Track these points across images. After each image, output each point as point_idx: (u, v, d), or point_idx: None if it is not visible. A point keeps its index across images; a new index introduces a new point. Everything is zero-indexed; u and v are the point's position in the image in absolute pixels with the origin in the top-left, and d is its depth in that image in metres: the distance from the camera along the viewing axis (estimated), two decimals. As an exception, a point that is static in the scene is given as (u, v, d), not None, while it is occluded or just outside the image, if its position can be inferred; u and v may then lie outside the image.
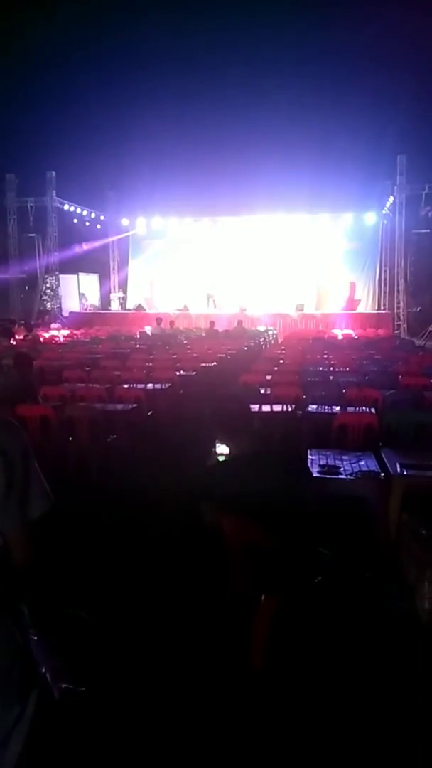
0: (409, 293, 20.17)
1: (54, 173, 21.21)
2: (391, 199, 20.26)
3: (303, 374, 7.57)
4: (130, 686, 2.58)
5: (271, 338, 15.93)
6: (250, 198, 20.88)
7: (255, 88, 22.39)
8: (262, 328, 16.83)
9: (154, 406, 6.78)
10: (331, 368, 8.47)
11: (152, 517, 4.30)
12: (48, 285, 21.59)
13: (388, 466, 3.81)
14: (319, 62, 22.84)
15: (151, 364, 8.89)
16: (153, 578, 3.47)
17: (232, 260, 22.55)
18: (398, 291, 20.16)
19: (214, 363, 9.39)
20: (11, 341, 12.80)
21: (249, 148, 21.71)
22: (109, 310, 23.31)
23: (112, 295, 24.12)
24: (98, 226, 23.64)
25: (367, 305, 21.69)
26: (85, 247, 22.93)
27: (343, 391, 6.03)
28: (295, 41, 22.52)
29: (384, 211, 21.43)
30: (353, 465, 3.99)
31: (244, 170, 20.51)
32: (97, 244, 23.57)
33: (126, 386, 6.93)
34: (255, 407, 5.25)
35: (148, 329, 16.23)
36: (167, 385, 7.31)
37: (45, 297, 21.52)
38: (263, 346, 13.65)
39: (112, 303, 23.87)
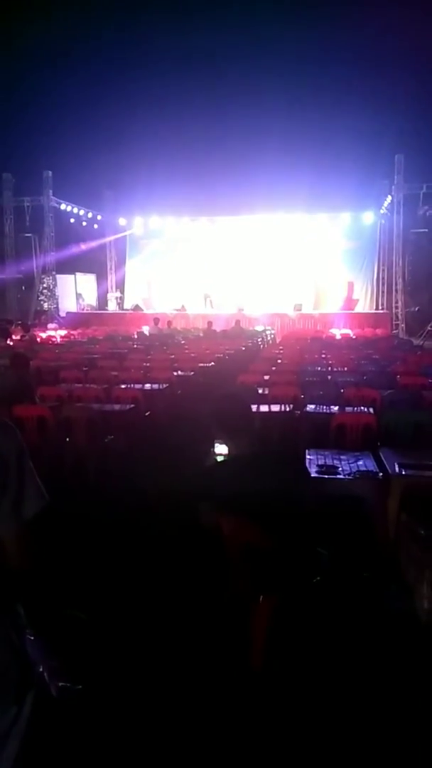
0: (407, 293, 20.19)
1: (51, 173, 21.18)
2: (389, 198, 20.28)
3: (301, 374, 7.56)
4: (128, 687, 2.57)
5: (269, 338, 15.93)
6: (248, 198, 20.90)
7: (253, 88, 22.38)
8: (260, 328, 16.83)
9: (152, 407, 6.77)
10: (330, 368, 8.47)
11: (150, 518, 4.29)
12: (45, 285, 21.54)
13: (387, 466, 3.81)
14: (317, 62, 22.86)
15: (148, 364, 8.88)
16: (151, 578, 3.45)
17: (229, 260, 22.55)
18: (396, 290, 20.18)
19: (212, 363, 9.38)
20: (8, 341, 12.78)
21: (247, 148, 21.74)
22: (107, 310, 23.27)
23: (109, 295, 24.10)
24: (95, 226, 23.61)
25: (365, 305, 21.71)
26: (83, 247, 22.89)
27: (342, 390, 6.03)
28: (294, 41, 22.52)
29: (382, 211, 21.45)
30: (351, 465, 3.99)
31: (242, 170, 20.52)
32: (94, 244, 23.54)
33: (123, 386, 6.92)
34: (253, 407, 5.24)
35: (145, 329, 16.21)
36: (165, 386, 7.30)
37: (42, 297, 21.47)
38: (261, 346, 13.64)
39: (109, 303, 23.84)
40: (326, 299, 21.43)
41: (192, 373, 8.41)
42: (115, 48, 22.55)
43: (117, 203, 23.57)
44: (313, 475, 3.69)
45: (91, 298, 24.31)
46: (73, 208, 22.20)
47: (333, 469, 3.89)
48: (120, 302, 23.69)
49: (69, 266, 22.61)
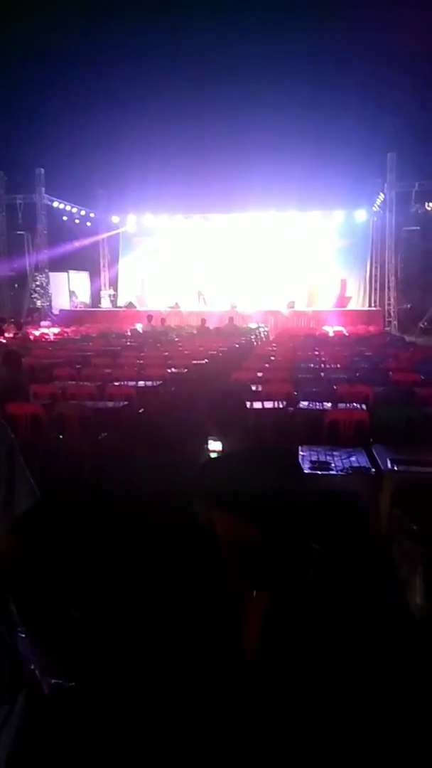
0: (400, 290, 20.27)
1: (43, 170, 21.07)
2: (382, 196, 20.33)
3: (294, 371, 7.57)
4: (122, 683, 2.56)
5: (262, 335, 15.93)
6: (242, 195, 20.89)
7: (246, 86, 22.39)
8: (253, 326, 16.84)
9: (145, 404, 6.76)
10: (323, 365, 8.49)
11: (144, 514, 4.28)
12: (38, 283, 21.46)
13: (379, 462, 3.82)
14: (309, 60, 22.86)
15: (142, 361, 8.86)
16: (145, 575, 3.45)
17: (223, 257, 22.55)
18: (389, 288, 20.25)
19: (206, 360, 9.37)
20: (1, 339, 12.72)
21: (240, 146, 21.74)
22: (100, 307, 23.21)
23: (102, 293, 24.03)
24: (88, 224, 23.53)
25: (358, 302, 21.76)
26: (76, 244, 22.81)
27: (335, 387, 6.04)
28: (286, 39, 22.53)
29: (374, 209, 21.51)
30: (344, 461, 4.00)
31: (236, 168, 20.50)
32: (87, 241, 23.45)
33: (117, 384, 6.90)
34: (247, 404, 5.24)
35: (139, 327, 16.18)
36: (158, 383, 7.29)
37: (35, 295, 21.39)
38: (254, 344, 13.64)
39: (102, 301, 23.77)
40: (319, 296, 21.47)
41: (185, 370, 8.40)
42: (107, 46, 22.42)
43: (110, 201, 23.51)
44: (306, 471, 3.70)
45: (84, 296, 24.23)
46: (65, 205, 22.12)
47: (326, 465, 3.90)
48: (113, 300, 23.64)
49: (62, 264, 22.53)
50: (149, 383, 7.16)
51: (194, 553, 2.90)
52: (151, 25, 21.70)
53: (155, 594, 3.24)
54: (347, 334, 14.81)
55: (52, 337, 14.69)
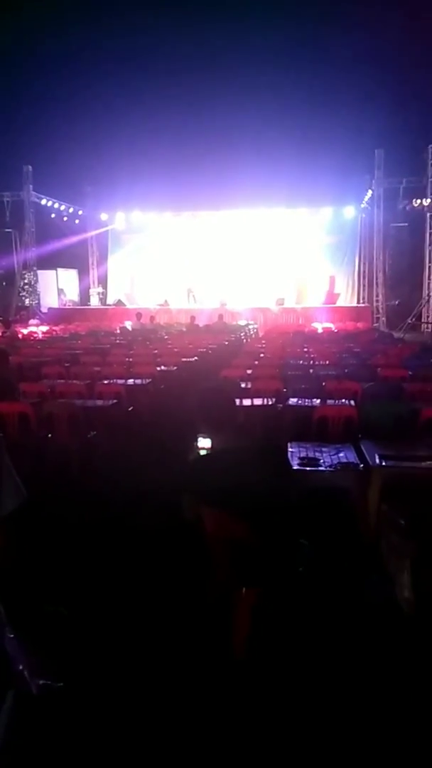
0: (388, 286, 20.37)
1: (30, 167, 20.91)
2: (370, 193, 20.41)
3: (283, 368, 7.58)
4: (111, 682, 2.56)
5: (251, 332, 15.96)
6: (230, 193, 20.88)
7: (234, 84, 22.32)
8: (242, 323, 16.86)
9: (135, 402, 6.74)
10: (312, 361, 8.51)
11: (133, 513, 4.28)
12: (26, 281, 21.31)
13: (367, 458, 3.84)
14: (297, 58, 22.89)
15: (131, 359, 8.83)
16: (134, 572, 3.45)
17: (212, 255, 22.54)
18: (377, 284, 20.35)
19: (195, 358, 9.37)
20: (-11, 338, 12.61)
21: (229, 143, 21.66)
22: (89, 305, 23.10)
23: (91, 291, 23.91)
24: (76, 221, 23.38)
25: (346, 299, 21.85)
26: (65, 242, 22.66)
27: (323, 384, 6.06)
28: (275, 37, 22.51)
29: (362, 205, 21.59)
30: (333, 457, 4.02)
31: (224, 165, 20.46)
32: (75, 239, 23.31)
33: (106, 382, 6.88)
34: (237, 401, 5.25)
35: (128, 324, 16.13)
36: (148, 381, 7.27)
37: (23, 293, 21.24)
38: (244, 341, 13.66)
39: (91, 298, 23.66)
40: (308, 293, 21.53)
41: (175, 368, 8.39)
42: (95, 43, 22.26)
43: (98, 198, 23.36)
44: (295, 467, 3.71)
45: (72, 294, 24.10)
46: (53, 203, 21.97)
47: (315, 461, 3.92)
48: (102, 297, 23.53)
49: (50, 261, 22.38)
50: (138, 381, 7.15)
51: (183, 551, 2.90)
52: (138, 23, 21.59)
53: (144, 591, 3.24)
54: (336, 331, 14.87)
55: (40, 336, 14.60)
